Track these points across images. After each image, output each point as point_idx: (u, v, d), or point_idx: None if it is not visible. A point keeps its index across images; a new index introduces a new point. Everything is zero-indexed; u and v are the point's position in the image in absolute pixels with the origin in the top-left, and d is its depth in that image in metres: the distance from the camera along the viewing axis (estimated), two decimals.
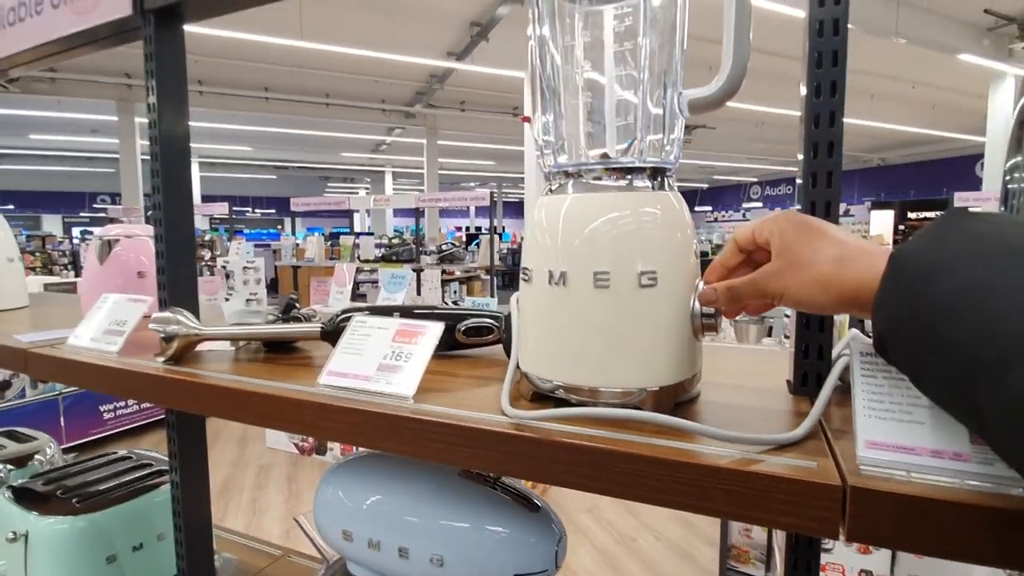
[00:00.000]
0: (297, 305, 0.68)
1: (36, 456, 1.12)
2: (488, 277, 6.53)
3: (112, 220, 8.36)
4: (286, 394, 0.48)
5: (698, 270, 0.44)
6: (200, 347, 0.65)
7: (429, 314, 0.59)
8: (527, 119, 6.56)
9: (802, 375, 0.46)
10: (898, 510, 0.30)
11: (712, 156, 12.93)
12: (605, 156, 0.44)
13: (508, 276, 10.19)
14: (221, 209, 7.05)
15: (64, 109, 8.90)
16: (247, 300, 2.00)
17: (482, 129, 10.91)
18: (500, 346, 0.63)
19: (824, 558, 1.92)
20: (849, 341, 0.38)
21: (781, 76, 4.47)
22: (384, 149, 13.53)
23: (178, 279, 0.80)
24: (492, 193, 5.16)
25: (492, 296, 5.37)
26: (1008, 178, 0.45)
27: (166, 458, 1.02)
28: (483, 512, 0.55)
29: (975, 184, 9.90)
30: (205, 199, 9.34)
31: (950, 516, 0.29)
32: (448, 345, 0.61)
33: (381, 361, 0.48)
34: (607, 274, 0.40)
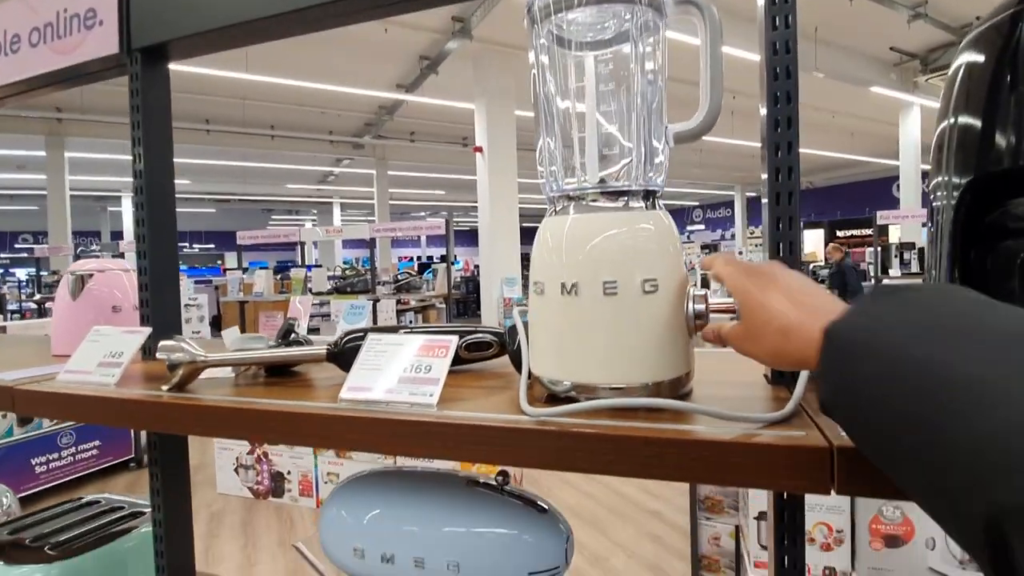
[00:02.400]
0: (296, 330, 0.70)
1: None
2: (443, 306, 6.52)
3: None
4: (309, 410, 0.50)
5: (688, 277, 0.50)
6: (199, 377, 0.65)
7: (436, 331, 0.62)
8: (479, 149, 6.71)
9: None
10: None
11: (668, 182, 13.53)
12: (602, 181, 0.50)
13: (462, 304, 10.18)
14: None
15: None
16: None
17: (432, 159, 11.02)
18: (497, 360, 0.67)
19: None
20: None
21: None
22: (332, 180, 13.38)
23: (164, 311, 0.80)
24: (448, 221, 5.20)
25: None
26: (932, 197, 0.54)
27: (136, 501, 0.99)
28: (494, 516, 0.58)
29: (894, 203, 10.83)
30: None
31: None
32: (452, 361, 0.65)
33: (402, 374, 0.51)
34: (615, 283, 0.45)
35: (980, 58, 0.48)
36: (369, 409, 0.49)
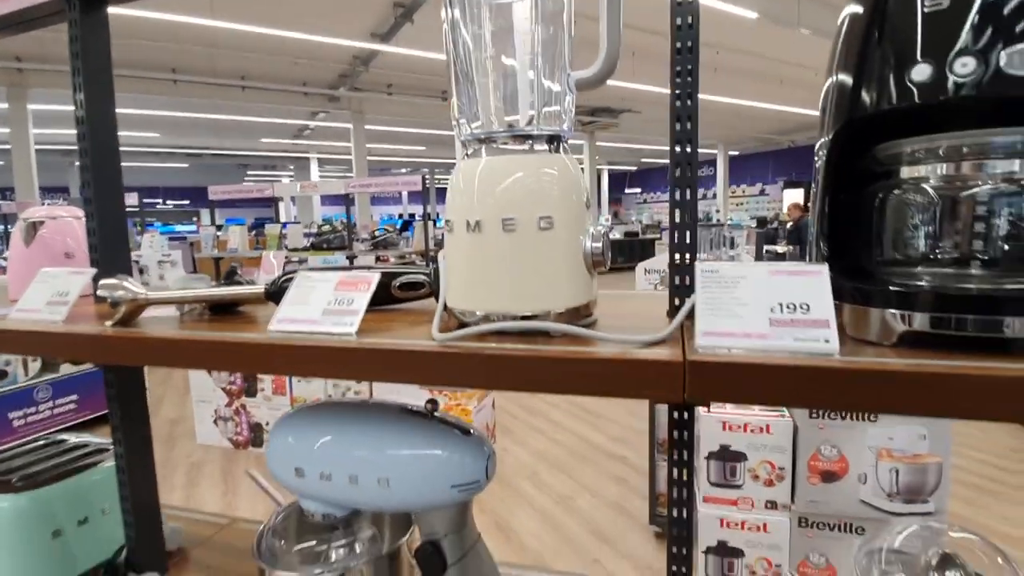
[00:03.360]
0: (239, 273, 0.73)
1: None
2: (422, 262, 6.53)
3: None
4: (242, 339, 0.55)
5: (587, 218, 0.54)
6: (144, 315, 0.68)
7: (370, 270, 0.66)
8: None
9: (675, 302, 0.58)
10: (722, 374, 0.41)
11: (639, 139, 13.44)
12: (511, 126, 0.53)
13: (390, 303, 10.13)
14: (129, 200, 6.59)
15: None
16: None
17: (411, 113, 10.76)
18: (433, 300, 0.72)
19: (735, 493, 2.16)
20: (698, 266, 0.49)
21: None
22: (308, 134, 13.02)
23: (113, 257, 0.83)
24: (424, 177, 5.16)
25: None
26: (816, 158, 0.58)
27: (101, 440, 1.03)
28: (422, 438, 0.64)
29: None
30: None
31: (756, 374, 0.41)
32: (385, 300, 0.69)
33: (325, 307, 0.56)
34: (513, 220, 0.49)
35: (858, 10, 0.51)
36: (296, 338, 0.54)
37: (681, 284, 0.57)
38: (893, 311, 0.45)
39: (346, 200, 6.01)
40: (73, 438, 1.05)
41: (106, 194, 0.81)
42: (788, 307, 0.45)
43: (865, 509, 1.96)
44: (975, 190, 0.47)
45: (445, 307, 0.56)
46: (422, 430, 0.65)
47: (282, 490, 0.77)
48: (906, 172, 0.50)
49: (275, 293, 0.67)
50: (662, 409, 2.60)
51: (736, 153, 16.84)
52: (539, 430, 3.69)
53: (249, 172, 18.84)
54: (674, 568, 0.64)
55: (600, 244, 0.53)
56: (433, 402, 0.68)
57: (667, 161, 0.57)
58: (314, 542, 0.70)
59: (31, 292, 0.70)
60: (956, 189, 0.48)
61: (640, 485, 2.97)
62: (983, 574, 0.55)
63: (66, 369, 3.50)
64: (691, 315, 0.48)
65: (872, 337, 0.47)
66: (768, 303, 0.45)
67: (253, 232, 7.04)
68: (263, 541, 0.71)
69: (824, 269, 0.46)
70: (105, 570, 0.85)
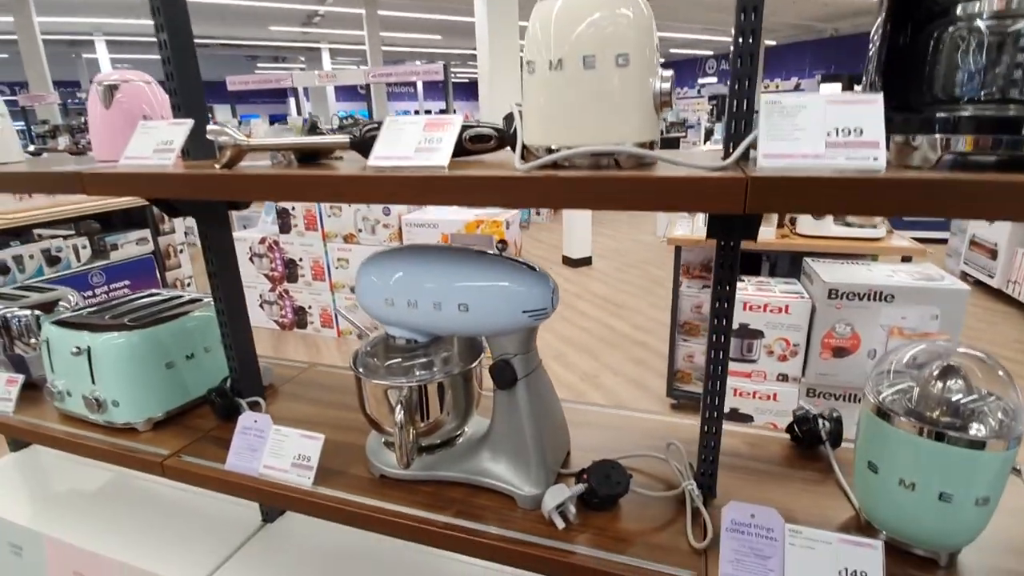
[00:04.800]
0: (319, 124, 0.79)
1: (61, 303, 1.23)
2: None
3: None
4: (347, 174, 0.62)
5: (658, 62, 0.58)
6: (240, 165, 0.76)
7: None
8: None
9: (729, 144, 0.63)
10: (780, 187, 0.48)
11: (668, 26, 12.44)
12: None
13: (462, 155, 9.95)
14: None
15: None
16: None
17: None
18: (499, 153, 0.78)
19: (749, 367, 2.32)
20: (762, 97, 0.54)
21: None
22: (318, 21, 12.29)
23: (196, 117, 0.88)
24: (446, 65, 4.95)
25: None
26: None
27: (189, 294, 1.16)
28: (495, 272, 0.73)
29: None
30: None
31: (811, 186, 0.47)
32: (456, 153, 0.75)
33: (417, 146, 0.62)
34: (592, 56, 0.54)
35: None
36: (394, 171, 0.61)
37: (738, 128, 0.62)
38: (934, 136, 0.51)
39: (368, 92, 5.83)
40: (165, 292, 1.18)
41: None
42: (843, 131, 0.50)
43: None
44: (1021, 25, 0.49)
45: (523, 146, 0.63)
46: (495, 265, 0.74)
47: (361, 320, 0.88)
48: (959, 9, 0.53)
49: (360, 143, 0.73)
50: (685, 294, 2.71)
51: (772, 43, 15.55)
52: (566, 318, 3.87)
53: (259, 65, 18.09)
54: (708, 401, 0.75)
55: (668, 85, 0.57)
56: (503, 242, 0.76)
57: (696, 52, 0.59)
58: (400, 359, 0.82)
59: (136, 142, 0.78)
60: (1004, 26, 0.50)
61: (659, 366, 3.17)
62: (981, 387, 0.64)
63: (116, 256, 3.69)
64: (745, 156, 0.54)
65: (915, 163, 0.53)
66: (824, 128, 0.51)
67: (275, 127, 6.92)
68: (358, 359, 0.83)
69: (878, 98, 0.51)
70: (216, 393, 1.00)
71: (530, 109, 0.61)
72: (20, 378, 1.08)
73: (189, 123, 0.76)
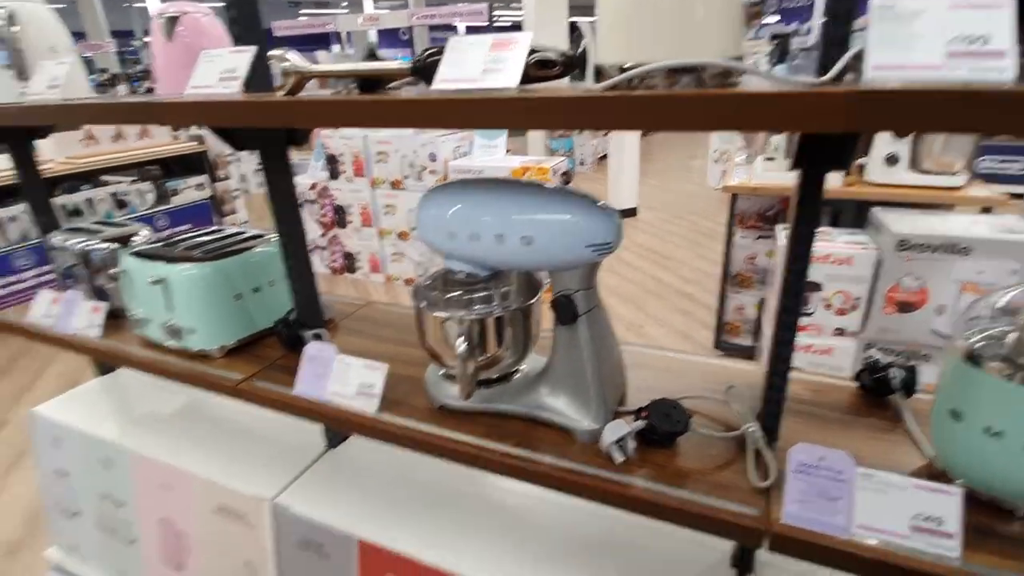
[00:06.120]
0: (377, 53, 0.77)
1: (134, 237, 1.29)
2: None
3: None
4: (414, 97, 0.60)
5: None
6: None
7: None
8: None
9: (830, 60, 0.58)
10: (891, 101, 0.43)
11: None
12: None
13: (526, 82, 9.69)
14: None
15: None
16: None
17: None
18: (563, 81, 0.74)
19: (804, 320, 2.24)
20: (872, 2, 0.48)
21: None
22: None
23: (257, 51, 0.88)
24: (490, 5, 4.75)
25: None
26: None
27: (252, 230, 1.19)
28: (560, 203, 0.71)
29: None
30: None
31: (925, 100, 0.43)
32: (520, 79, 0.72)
33: (484, 67, 0.60)
34: None
35: None
36: (461, 94, 0.59)
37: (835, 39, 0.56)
38: None
39: (410, 36, 5.69)
40: (228, 228, 1.22)
41: None
42: (966, 40, 0.45)
43: (934, 339, 2.01)
44: None
45: (596, 68, 0.59)
46: (559, 197, 0.72)
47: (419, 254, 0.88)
48: None
49: (422, 69, 0.71)
50: (739, 244, 2.61)
51: None
52: (611, 269, 3.82)
53: (301, 12, 17.93)
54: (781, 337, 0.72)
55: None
56: (567, 174, 0.74)
57: None
58: (460, 293, 0.82)
59: (200, 72, 0.78)
60: None
61: (705, 317, 3.11)
62: None
63: (176, 201, 3.85)
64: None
65: None
66: (944, 37, 0.45)
67: (334, 54, 6.92)
68: (419, 292, 0.84)
69: (1010, 1, 0.45)
70: (283, 325, 1.04)
71: (604, 24, 0.57)
72: (104, 305, 1.15)
73: (252, 50, 0.75)
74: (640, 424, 0.75)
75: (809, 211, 0.66)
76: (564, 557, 0.91)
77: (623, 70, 0.57)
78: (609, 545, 0.93)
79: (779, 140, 2.71)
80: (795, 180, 0.66)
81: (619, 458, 0.73)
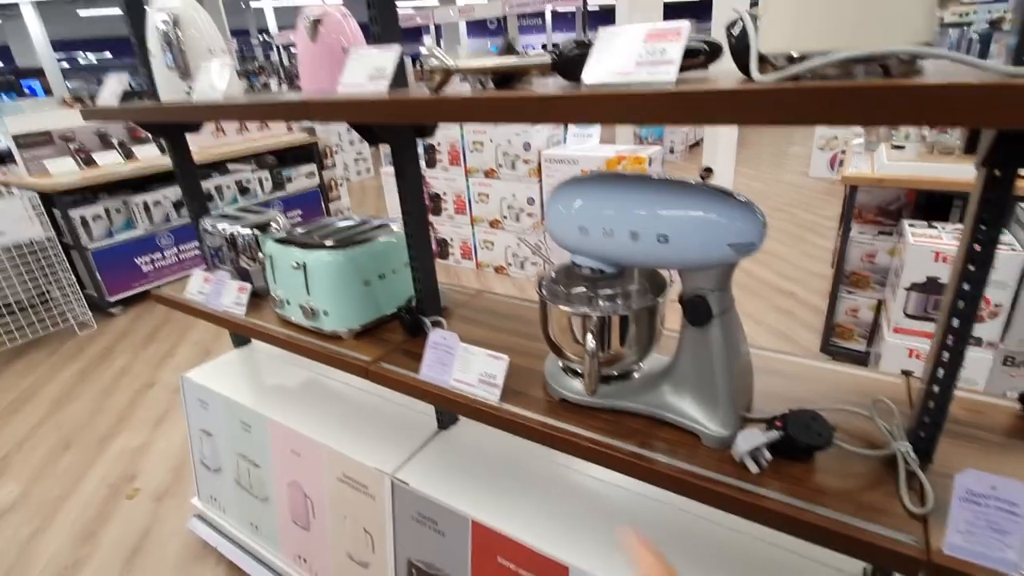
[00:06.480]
0: (512, 46, 0.78)
1: (272, 224, 1.40)
2: None
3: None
4: (558, 93, 0.60)
5: None
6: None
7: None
8: None
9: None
10: None
11: None
12: None
13: None
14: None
15: None
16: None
17: None
18: (710, 69, 0.71)
19: (932, 327, 2.02)
20: None
21: None
22: None
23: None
24: None
25: None
26: None
27: (376, 219, 1.25)
28: (700, 199, 0.69)
29: None
30: (283, 29, 9.15)
31: None
32: None
33: (638, 59, 0.58)
34: None
35: None
36: (613, 88, 0.58)
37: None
38: None
39: (499, 26, 5.72)
40: (355, 217, 1.30)
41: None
42: None
43: None
44: None
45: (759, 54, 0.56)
46: (699, 193, 0.70)
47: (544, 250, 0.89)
48: None
49: (563, 63, 0.71)
50: (856, 240, 2.40)
51: None
52: None
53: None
54: (949, 344, 0.65)
55: None
56: (708, 169, 0.71)
57: None
58: (586, 289, 0.82)
59: (350, 70, 0.83)
60: None
61: (808, 318, 2.90)
62: None
63: (290, 188, 4.16)
64: None
65: None
66: None
67: (416, 66, 7.17)
68: (542, 285, 0.85)
69: None
70: (405, 311, 1.10)
71: (771, 9, 0.53)
72: (248, 286, 1.27)
73: (398, 48, 0.78)
74: (775, 434, 0.71)
75: (996, 212, 0.59)
76: (675, 560, 0.89)
77: (792, 60, 0.54)
78: (723, 554, 0.91)
79: (907, 127, 2.45)
80: (977, 176, 0.60)
81: (754, 468, 0.70)
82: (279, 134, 4.29)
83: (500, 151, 3.45)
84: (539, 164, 3.36)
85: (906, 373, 0.90)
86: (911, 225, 2.12)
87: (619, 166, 3.15)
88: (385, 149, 5.03)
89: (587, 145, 3.52)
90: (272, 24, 12.13)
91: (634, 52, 0.59)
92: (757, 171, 6.48)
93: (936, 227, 2.11)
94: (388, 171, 4.02)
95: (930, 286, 1.98)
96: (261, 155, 4.15)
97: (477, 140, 3.49)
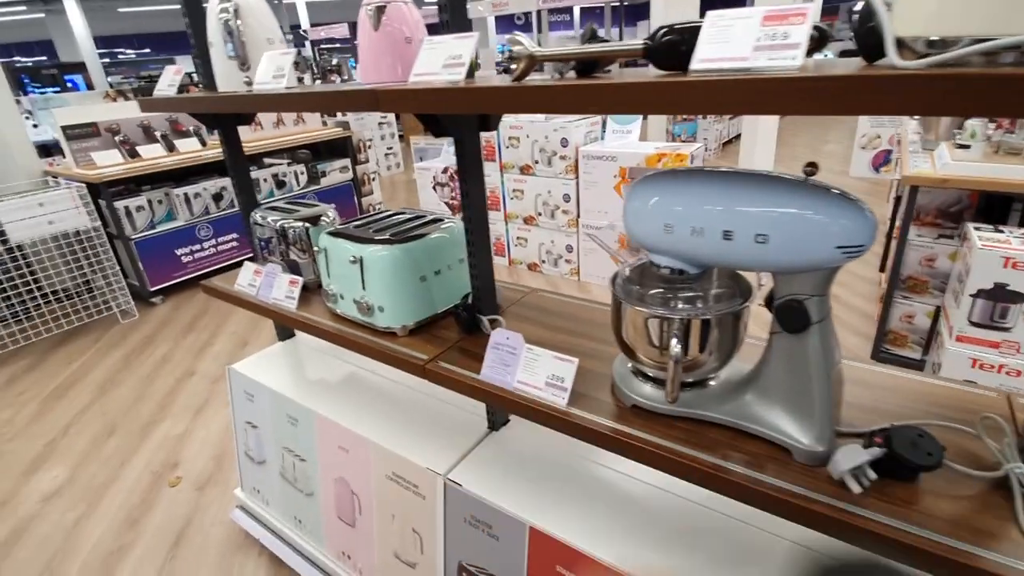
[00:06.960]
0: (599, 34, 0.73)
1: (322, 217, 1.38)
2: None
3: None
4: (661, 80, 0.56)
5: None
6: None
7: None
8: None
9: None
10: None
11: None
12: None
13: None
14: (341, 31, 6.97)
15: None
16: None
17: None
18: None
19: (998, 336, 1.92)
20: None
21: None
22: None
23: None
24: None
25: None
26: None
27: (431, 212, 1.22)
28: (804, 198, 0.64)
29: None
30: (315, 25, 9.22)
31: None
32: None
33: (755, 44, 0.54)
34: None
35: None
36: (725, 75, 0.53)
37: None
38: None
39: (537, 19, 5.67)
40: (409, 211, 1.27)
41: None
42: None
43: None
44: None
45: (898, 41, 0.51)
46: (803, 191, 0.65)
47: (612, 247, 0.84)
48: None
49: (656, 49, 0.67)
50: (915, 243, 2.30)
51: None
52: None
53: (425, 1, 18.62)
54: None
55: None
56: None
57: None
58: (665, 290, 0.78)
59: (423, 59, 0.79)
60: None
61: (856, 323, 2.80)
62: None
63: (324, 182, 4.18)
64: None
65: None
66: None
67: (557, 37, 7.17)
68: (616, 283, 0.81)
69: None
70: (461, 308, 1.06)
71: None
72: (300, 280, 1.26)
73: (475, 36, 0.75)
74: (879, 451, 0.66)
75: None
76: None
77: (931, 44, 0.49)
78: (790, 568, 0.85)
79: (974, 125, 2.33)
80: None
81: (856, 488, 0.65)
82: (314, 128, 4.31)
83: (536, 147, 3.40)
84: (576, 160, 3.30)
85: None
86: (977, 229, 2.01)
87: (659, 163, 3.08)
88: (417, 144, 5.02)
89: (626, 141, 3.45)
90: (304, 20, 12.27)
91: (751, 36, 0.54)
92: (792, 169, 6.28)
93: (1003, 231, 2.00)
94: (422, 166, 4.01)
95: (998, 293, 1.88)
96: (295, 149, 4.18)
97: (513, 136, 3.45)
